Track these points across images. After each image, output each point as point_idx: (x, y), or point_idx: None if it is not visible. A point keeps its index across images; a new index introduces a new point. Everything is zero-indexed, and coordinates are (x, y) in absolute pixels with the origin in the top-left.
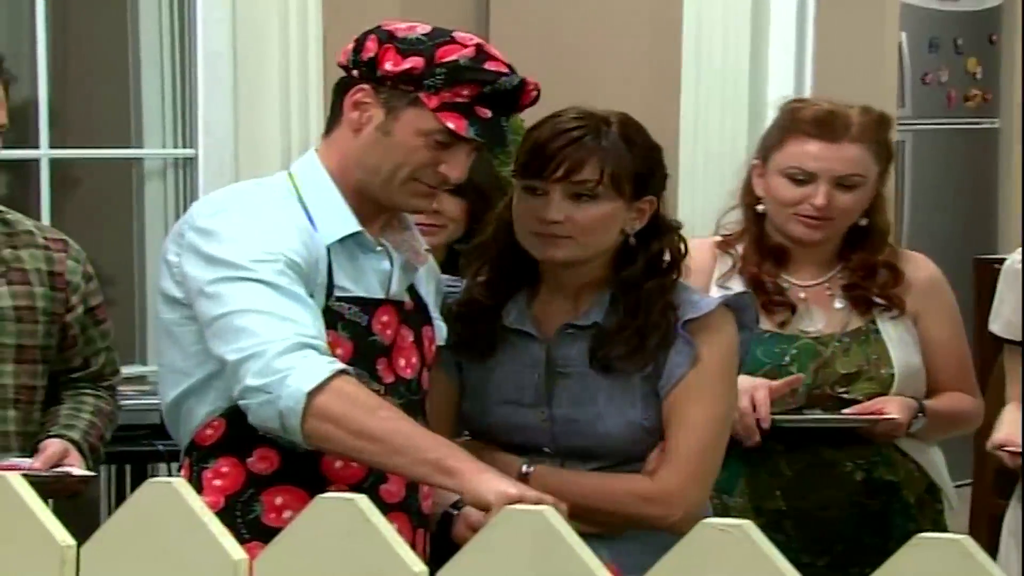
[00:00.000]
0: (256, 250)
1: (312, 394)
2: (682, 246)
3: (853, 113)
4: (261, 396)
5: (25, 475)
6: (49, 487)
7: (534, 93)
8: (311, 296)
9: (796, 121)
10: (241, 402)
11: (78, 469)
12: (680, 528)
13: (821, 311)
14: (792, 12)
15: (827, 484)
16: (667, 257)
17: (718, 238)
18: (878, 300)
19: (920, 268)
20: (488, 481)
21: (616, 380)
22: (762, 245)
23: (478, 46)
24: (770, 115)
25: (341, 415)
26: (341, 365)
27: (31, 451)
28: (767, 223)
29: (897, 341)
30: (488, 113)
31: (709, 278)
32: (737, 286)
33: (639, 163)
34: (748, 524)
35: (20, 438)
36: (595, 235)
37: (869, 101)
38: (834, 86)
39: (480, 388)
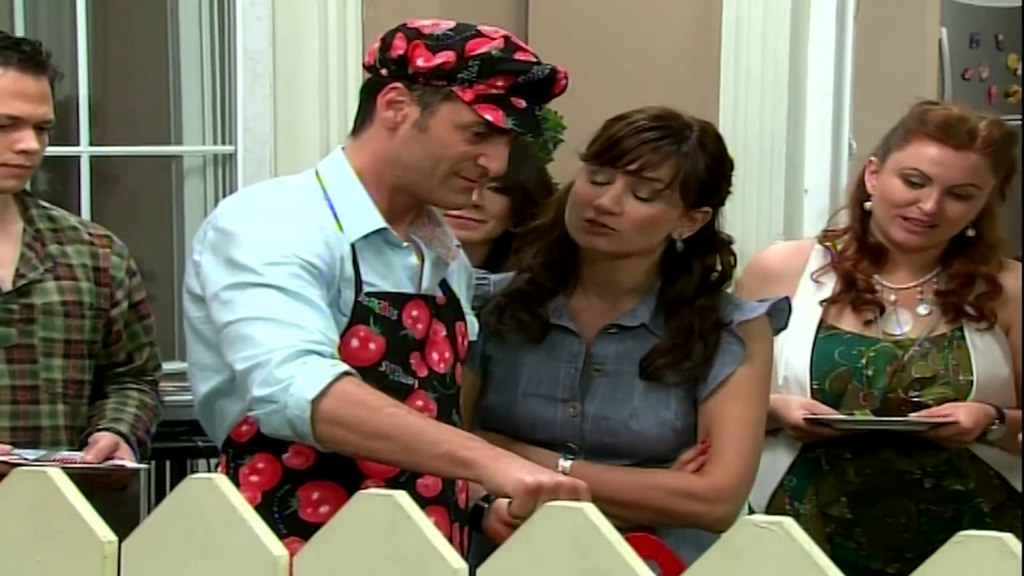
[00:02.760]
0: (270, 253)
1: (316, 401)
2: (732, 259)
3: (982, 124)
4: (268, 406)
5: (77, 468)
6: (102, 480)
7: (564, 82)
8: (339, 292)
9: (923, 123)
10: (250, 413)
11: (130, 462)
12: (722, 525)
13: (908, 314)
14: (832, 9)
15: (895, 491)
16: (717, 271)
17: (808, 239)
18: (969, 310)
19: (1017, 278)
20: (503, 471)
21: (653, 381)
22: (863, 243)
23: (506, 38)
24: (810, 113)
25: (348, 418)
26: (344, 367)
27: (79, 445)
28: (871, 221)
29: (983, 349)
30: (523, 103)
31: (796, 280)
32: (830, 281)
33: (707, 173)
34: (789, 521)
35: (69, 432)
36: (642, 234)
37: (908, 97)
38: (874, 83)
39: (508, 381)
